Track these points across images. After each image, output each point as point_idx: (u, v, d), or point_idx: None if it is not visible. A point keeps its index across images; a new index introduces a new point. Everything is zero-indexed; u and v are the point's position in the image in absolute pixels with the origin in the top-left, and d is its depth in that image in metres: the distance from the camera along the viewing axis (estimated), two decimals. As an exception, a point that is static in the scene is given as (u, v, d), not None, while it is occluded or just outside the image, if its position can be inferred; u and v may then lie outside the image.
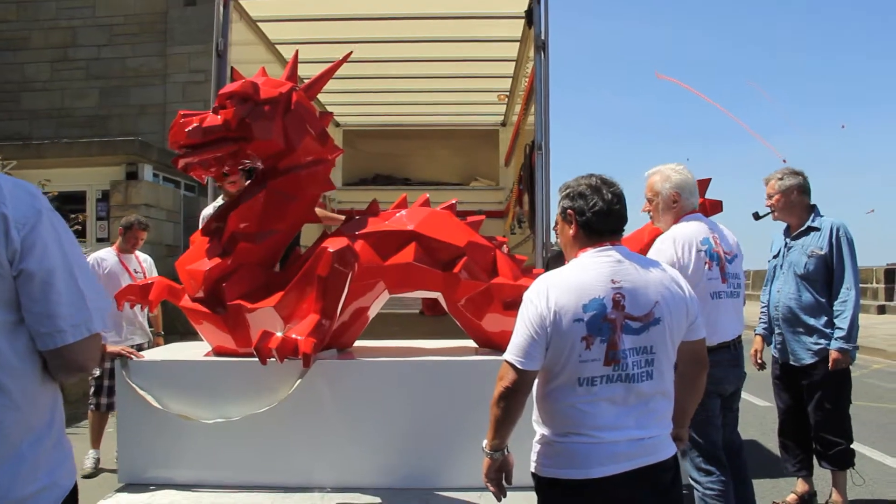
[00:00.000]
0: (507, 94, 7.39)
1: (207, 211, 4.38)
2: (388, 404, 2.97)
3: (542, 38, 4.53)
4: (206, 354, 3.17)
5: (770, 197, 3.97)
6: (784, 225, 4.03)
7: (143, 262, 5.30)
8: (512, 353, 1.96)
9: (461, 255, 3.13)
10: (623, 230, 2.09)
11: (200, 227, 4.50)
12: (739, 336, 3.19)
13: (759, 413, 6.36)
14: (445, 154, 9.14)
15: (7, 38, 11.45)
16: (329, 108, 8.18)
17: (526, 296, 1.99)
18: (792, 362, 3.88)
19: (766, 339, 4.15)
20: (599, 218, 2.04)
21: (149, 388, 2.99)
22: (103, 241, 9.79)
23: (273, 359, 2.76)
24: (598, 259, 2.00)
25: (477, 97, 7.63)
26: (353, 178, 9.00)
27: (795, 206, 3.91)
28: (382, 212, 3.37)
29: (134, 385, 2.98)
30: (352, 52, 3.56)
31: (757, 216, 4.16)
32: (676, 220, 3.12)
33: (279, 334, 2.78)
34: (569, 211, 2.08)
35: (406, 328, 4.39)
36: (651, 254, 3.01)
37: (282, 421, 2.92)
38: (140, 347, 5.02)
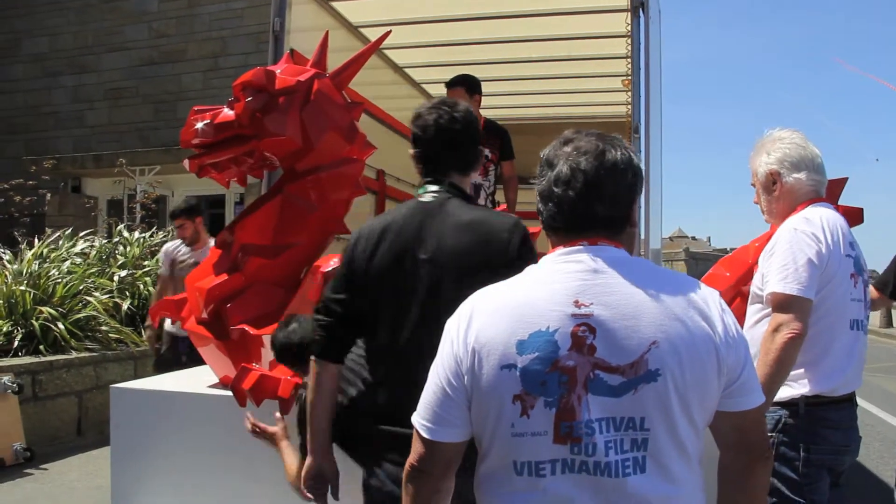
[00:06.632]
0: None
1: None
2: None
3: None
4: (212, 386, 2.78)
5: None
6: None
7: None
8: (419, 414, 1.27)
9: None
10: (621, 222, 1.26)
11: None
12: None
13: None
14: None
15: (167, 52, 12.22)
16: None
17: (447, 325, 1.28)
18: None
19: None
20: (567, 195, 1.22)
21: (141, 418, 2.66)
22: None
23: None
24: (561, 266, 1.22)
25: (604, 83, 6.80)
26: (475, 178, 8.49)
27: None
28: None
29: None
30: (390, 31, 3.02)
31: None
32: (788, 212, 2.16)
33: (259, 368, 2.29)
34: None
35: None
36: (781, 241, 2.04)
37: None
38: None
